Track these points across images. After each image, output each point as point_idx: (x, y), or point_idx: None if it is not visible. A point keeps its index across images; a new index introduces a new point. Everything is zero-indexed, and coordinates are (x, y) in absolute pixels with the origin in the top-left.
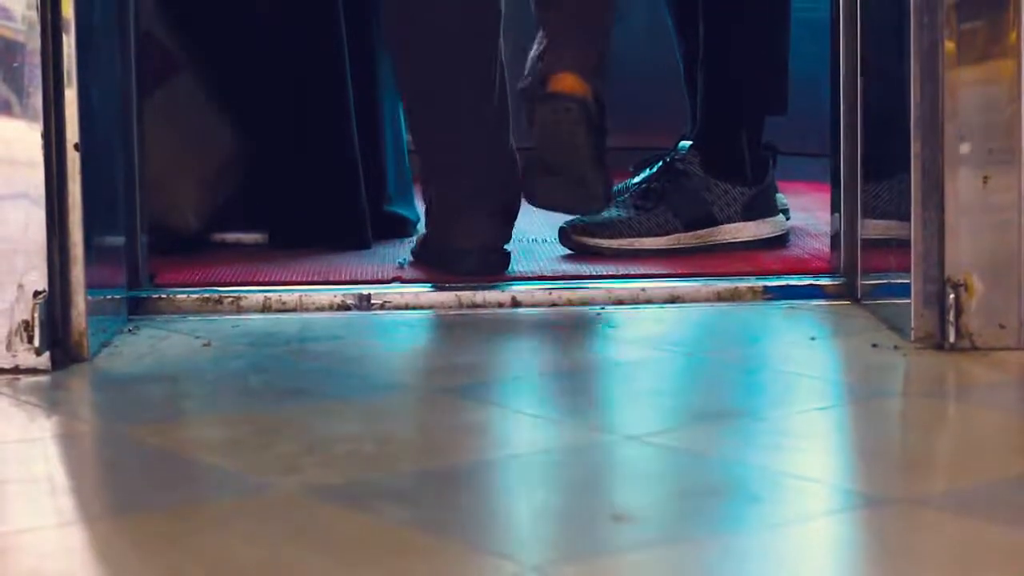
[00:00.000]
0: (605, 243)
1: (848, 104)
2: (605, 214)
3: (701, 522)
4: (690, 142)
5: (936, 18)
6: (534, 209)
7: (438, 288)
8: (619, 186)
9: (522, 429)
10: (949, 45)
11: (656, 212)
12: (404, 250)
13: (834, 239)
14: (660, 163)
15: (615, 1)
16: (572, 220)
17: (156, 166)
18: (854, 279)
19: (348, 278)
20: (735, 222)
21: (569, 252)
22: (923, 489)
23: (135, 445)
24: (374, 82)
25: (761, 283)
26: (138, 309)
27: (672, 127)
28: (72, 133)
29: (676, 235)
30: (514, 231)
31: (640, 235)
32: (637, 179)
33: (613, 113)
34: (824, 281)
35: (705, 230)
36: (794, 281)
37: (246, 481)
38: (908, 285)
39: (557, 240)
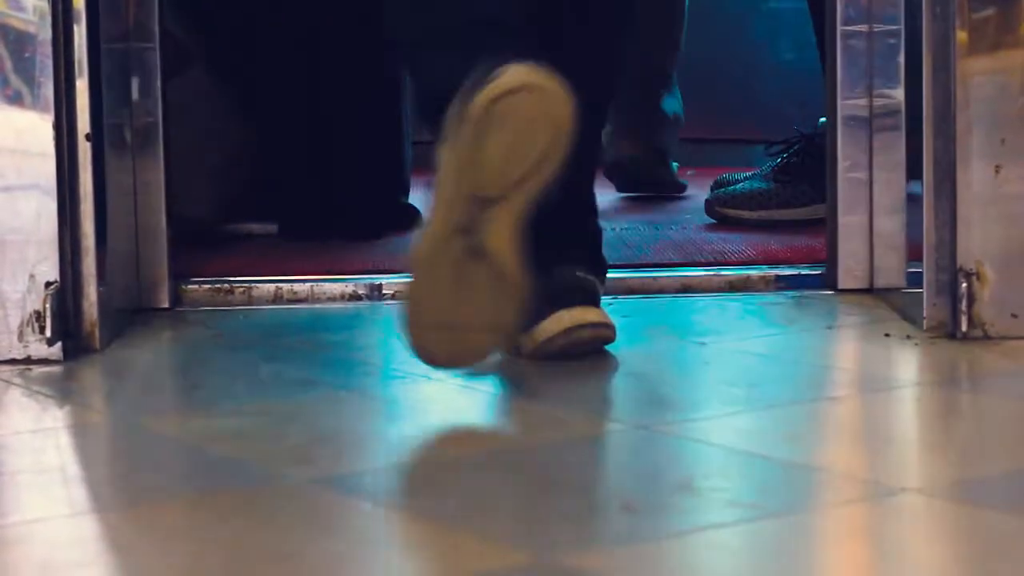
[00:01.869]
0: (746, 214)
1: None
2: (746, 186)
3: (711, 512)
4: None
5: (948, 9)
6: None
7: None
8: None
9: (532, 418)
10: (961, 35)
11: (795, 184)
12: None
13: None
14: (800, 140)
15: None
16: (716, 192)
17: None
18: (866, 269)
19: (360, 268)
20: None
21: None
22: (936, 478)
23: (147, 435)
24: (391, 72)
25: (773, 272)
26: (149, 300)
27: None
28: (83, 123)
29: (814, 206)
30: None
31: (780, 206)
32: (775, 155)
33: None
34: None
35: None
36: (806, 271)
37: (258, 472)
38: (920, 274)
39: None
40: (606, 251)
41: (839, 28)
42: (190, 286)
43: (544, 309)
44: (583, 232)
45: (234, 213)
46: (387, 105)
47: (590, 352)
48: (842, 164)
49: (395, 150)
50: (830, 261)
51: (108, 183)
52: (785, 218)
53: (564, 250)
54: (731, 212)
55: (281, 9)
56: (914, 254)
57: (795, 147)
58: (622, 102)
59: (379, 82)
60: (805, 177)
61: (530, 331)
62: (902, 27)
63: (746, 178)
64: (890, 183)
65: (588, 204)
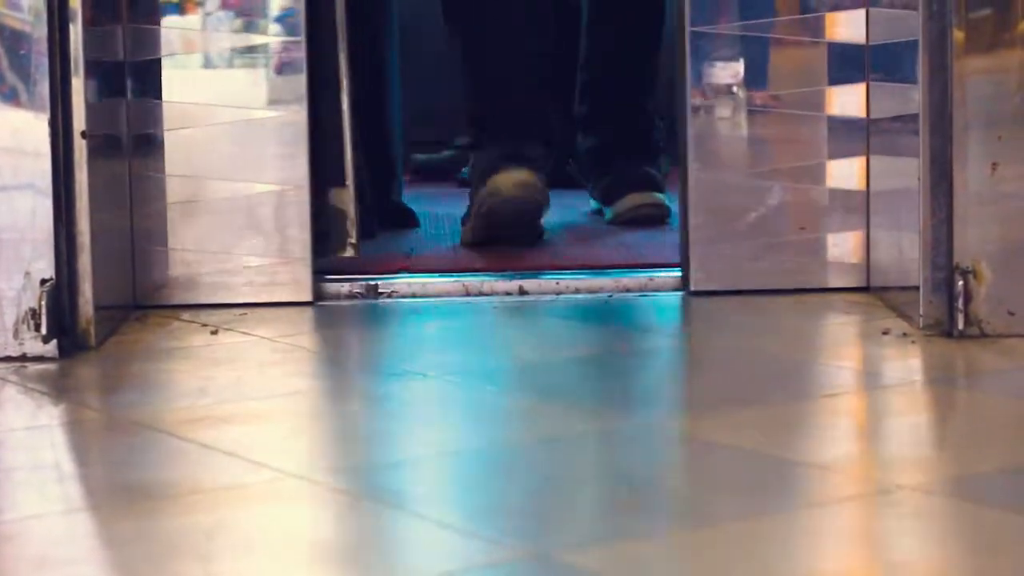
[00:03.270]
0: None
1: None
2: None
3: (709, 510)
4: None
5: (945, 7)
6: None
7: (445, 277)
8: None
9: (529, 416)
10: (958, 34)
11: None
12: (411, 240)
13: None
14: None
15: None
16: None
17: None
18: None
19: (356, 268)
20: None
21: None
22: (933, 475)
23: (141, 432)
24: (383, 72)
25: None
26: (144, 298)
27: None
28: (79, 122)
29: None
30: None
31: None
32: None
33: None
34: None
35: None
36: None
37: (254, 468)
38: (917, 272)
39: (563, 228)
40: (603, 251)
41: None
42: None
43: (623, 191)
44: (649, 140)
45: None
46: (379, 104)
47: (653, 222)
48: None
49: (387, 150)
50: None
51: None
52: None
53: (636, 152)
54: None
55: None
56: None
57: None
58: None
59: (372, 83)
60: None
61: (612, 206)
62: None
63: None
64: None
65: (651, 119)
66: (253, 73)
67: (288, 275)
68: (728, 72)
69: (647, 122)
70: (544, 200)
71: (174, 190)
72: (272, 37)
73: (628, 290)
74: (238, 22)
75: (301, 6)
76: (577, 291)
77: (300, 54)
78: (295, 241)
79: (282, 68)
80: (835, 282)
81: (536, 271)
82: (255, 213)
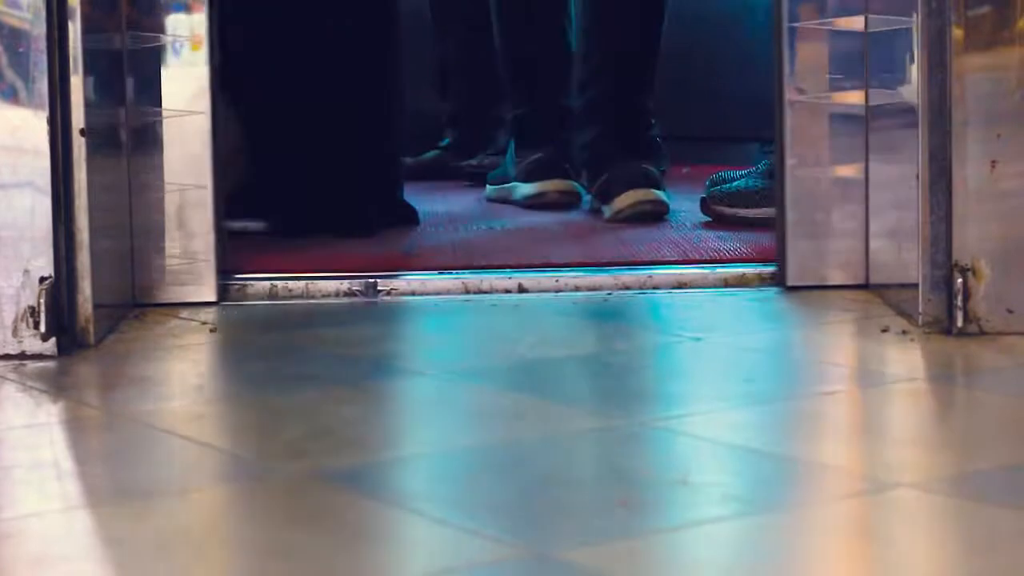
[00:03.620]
0: (741, 212)
1: None
2: (742, 184)
3: (707, 507)
4: None
5: (944, 4)
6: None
7: (444, 275)
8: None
9: (528, 414)
10: (957, 31)
11: None
12: (412, 238)
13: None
14: None
15: None
16: (711, 191)
17: None
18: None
19: (355, 265)
20: None
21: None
22: (931, 473)
23: (141, 430)
24: (388, 70)
25: (768, 269)
26: (144, 296)
27: None
28: (78, 119)
29: None
30: (522, 218)
31: (774, 204)
32: (771, 153)
33: None
34: None
35: None
36: None
37: (253, 466)
38: (916, 270)
39: (562, 226)
40: (602, 248)
41: None
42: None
43: (621, 188)
44: (647, 137)
45: (229, 210)
46: (381, 102)
47: (651, 219)
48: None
49: (389, 147)
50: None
51: (104, 181)
52: None
53: (634, 150)
54: (727, 210)
55: (280, 7)
56: None
57: None
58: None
59: (374, 79)
60: None
61: (610, 203)
62: None
63: (741, 176)
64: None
65: (649, 117)
66: None
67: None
68: (824, 67)
69: (645, 119)
70: None
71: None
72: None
73: (627, 287)
74: None
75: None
76: (576, 288)
77: None
78: None
79: None
80: (833, 279)
81: (535, 268)
82: None
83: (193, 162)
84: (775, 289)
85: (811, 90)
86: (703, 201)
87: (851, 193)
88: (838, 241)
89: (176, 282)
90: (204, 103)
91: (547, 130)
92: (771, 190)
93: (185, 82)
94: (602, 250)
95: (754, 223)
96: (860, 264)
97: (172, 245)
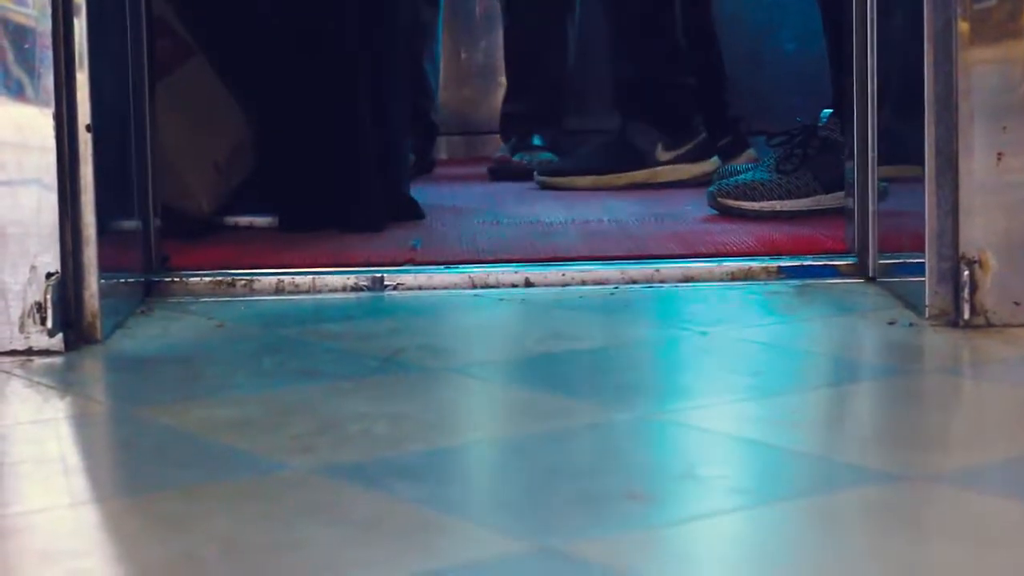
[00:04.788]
0: (747, 205)
1: (860, 82)
2: (748, 177)
3: (715, 500)
4: (831, 110)
5: None
6: (548, 192)
7: (450, 269)
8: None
9: (535, 408)
10: (963, 24)
11: (797, 175)
12: (418, 232)
13: (847, 217)
14: (802, 131)
15: None
16: (719, 184)
17: (169, 150)
18: (867, 258)
19: (361, 260)
20: None
21: (714, 213)
22: (938, 465)
23: (148, 425)
24: (387, 66)
25: (775, 263)
26: (151, 291)
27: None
28: (84, 115)
29: (817, 197)
30: (528, 213)
31: (782, 197)
32: (777, 147)
33: None
34: (839, 261)
35: (842, 191)
36: (808, 261)
37: (260, 461)
38: (923, 263)
39: (569, 221)
40: (608, 243)
41: None
42: (192, 278)
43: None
44: None
45: (235, 205)
46: (388, 99)
47: None
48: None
49: (395, 143)
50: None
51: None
52: (788, 209)
53: None
54: (734, 203)
55: (284, 10)
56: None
57: (798, 138)
58: None
59: (379, 75)
60: (808, 168)
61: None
62: None
63: (748, 169)
64: None
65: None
66: None
67: None
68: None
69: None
70: None
71: None
72: None
73: (634, 281)
74: None
75: None
76: (583, 282)
77: None
78: None
79: None
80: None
81: (542, 263)
82: None
83: None
84: (782, 281)
85: None
86: (710, 194)
87: None
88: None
89: (179, 278)
90: None
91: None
92: (778, 183)
93: None
94: (608, 244)
95: (760, 216)
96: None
97: None
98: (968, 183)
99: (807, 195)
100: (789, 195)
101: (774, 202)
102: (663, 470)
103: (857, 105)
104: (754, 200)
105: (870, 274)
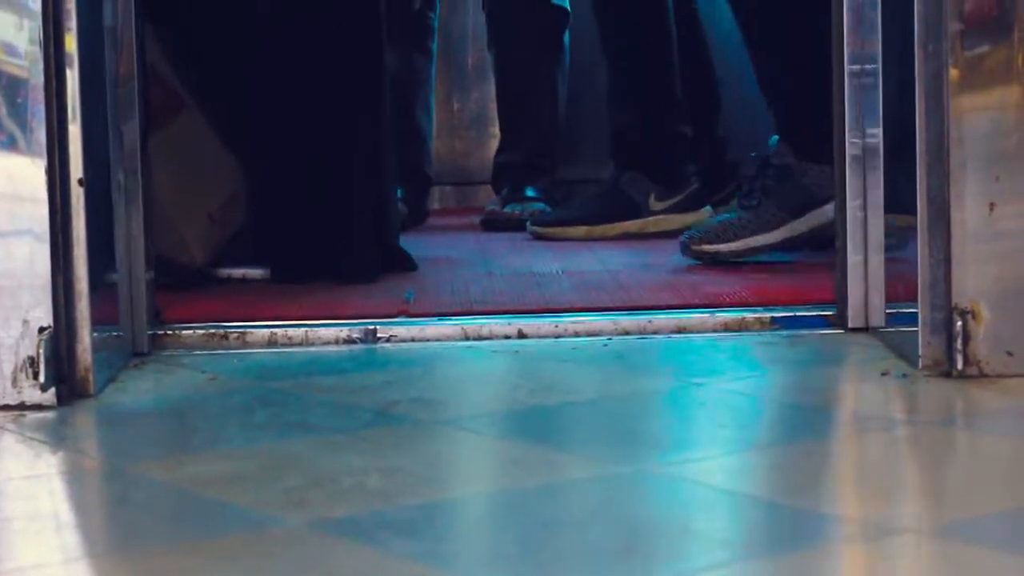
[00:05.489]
0: (724, 247)
1: (839, 137)
2: (716, 220)
3: (708, 554)
4: (777, 136)
5: (941, 47)
6: (541, 243)
7: (443, 321)
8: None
9: (529, 461)
10: (954, 72)
11: (762, 208)
12: (410, 283)
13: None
14: (757, 165)
15: None
16: (690, 232)
17: (162, 202)
18: (845, 308)
19: (354, 312)
20: None
21: (692, 262)
22: (932, 519)
23: (141, 481)
24: (378, 117)
25: (768, 314)
26: (143, 345)
27: None
28: (76, 168)
29: (788, 225)
30: (521, 264)
31: (754, 232)
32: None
33: None
34: (832, 311)
35: (812, 212)
36: (801, 312)
37: (253, 516)
38: (915, 313)
39: (561, 272)
40: (601, 294)
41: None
42: (185, 331)
43: None
44: None
45: (228, 257)
46: (380, 150)
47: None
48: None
49: (387, 194)
50: (840, 300)
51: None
52: (765, 243)
53: None
54: (709, 247)
55: (276, 54)
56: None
57: (755, 171)
58: None
59: (372, 126)
60: (771, 199)
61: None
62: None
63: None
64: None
65: None
66: None
67: None
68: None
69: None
70: None
71: None
72: None
73: (627, 332)
74: None
75: None
76: (576, 334)
77: None
78: None
79: None
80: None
81: (535, 314)
82: None
83: None
84: (775, 332)
85: None
86: (683, 244)
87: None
88: None
89: (172, 331)
90: None
91: None
92: (747, 220)
93: None
94: (601, 294)
95: (739, 255)
96: (860, 306)
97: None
98: (960, 233)
99: (777, 226)
100: (761, 229)
101: (747, 239)
102: (657, 524)
103: (836, 156)
104: (728, 241)
105: (849, 325)
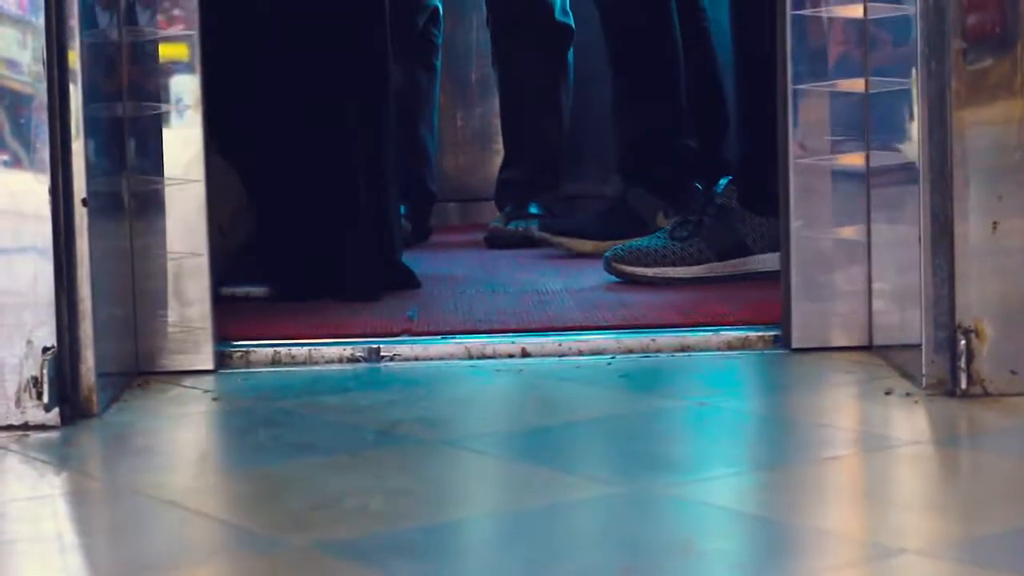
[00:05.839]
0: (640, 271)
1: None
2: (643, 243)
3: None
4: (729, 178)
5: (944, 66)
6: (545, 261)
7: (447, 340)
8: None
9: (533, 482)
10: (957, 91)
11: (690, 243)
12: (414, 301)
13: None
14: (700, 198)
15: None
16: (615, 249)
17: None
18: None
19: (357, 331)
20: (767, 252)
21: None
22: (937, 539)
23: (145, 502)
24: (381, 134)
25: (771, 332)
26: (148, 364)
27: None
28: (79, 187)
29: (710, 264)
30: (524, 282)
31: (674, 264)
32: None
33: None
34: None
35: (738, 259)
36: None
37: (256, 538)
38: (919, 331)
39: (565, 290)
40: (605, 312)
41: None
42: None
43: None
44: None
45: (231, 276)
46: (383, 167)
47: None
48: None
49: (390, 212)
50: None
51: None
52: (681, 276)
53: None
54: (627, 268)
55: (279, 70)
56: None
57: (695, 206)
58: None
59: (375, 144)
60: (701, 235)
61: None
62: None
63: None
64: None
65: None
66: None
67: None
68: (828, 129)
69: None
70: None
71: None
72: None
73: (631, 351)
74: None
75: None
76: (580, 352)
77: None
78: None
79: None
80: (836, 341)
81: (538, 332)
82: None
83: (189, 230)
84: (779, 351)
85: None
86: (605, 260)
87: (854, 254)
88: (841, 302)
89: (177, 350)
90: (199, 171)
91: None
92: (672, 250)
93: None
94: (605, 313)
95: (653, 280)
96: (863, 326)
97: (171, 313)
98: (963, 251)
99: (699, 263)
100: (681, 262)
101: (667, 268)
102: (663, 545)
103: (782, 179)
104: (647, 266)
105: (866, 343)
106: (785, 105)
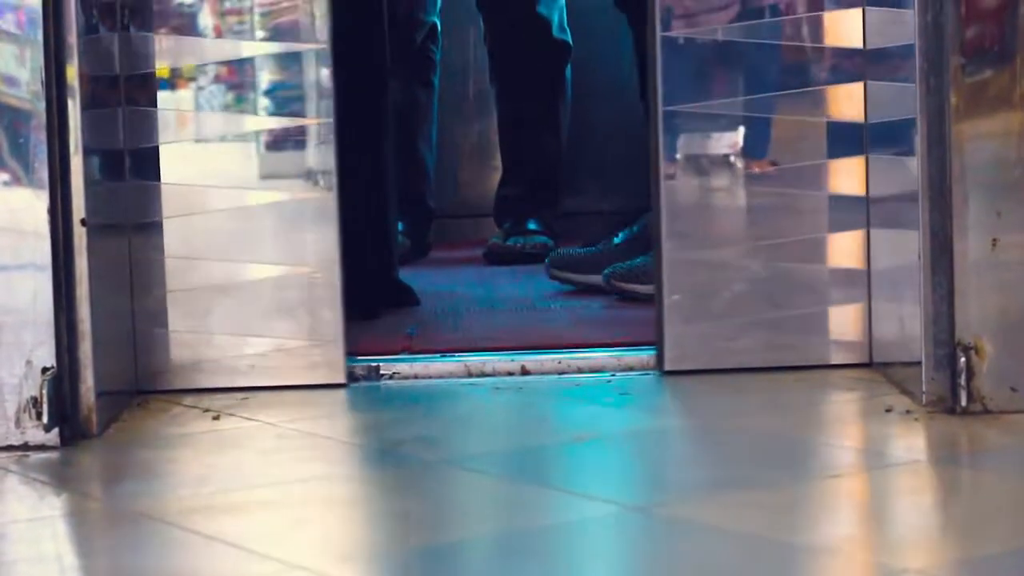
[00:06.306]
0: (576, 276)
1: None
2: (580, 251)
3: None
4: None
5: (943, 82)
6: (544, 277)
7: (446, 358)
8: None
9: (533, 502)
10: (956, 106)
11: (604, 255)
12: (413, 318)
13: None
14: (642, 220)
15: None
16: (553, 254)
17: None
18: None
19: (357, 349)
20: None
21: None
22: (938, 558)
23: (144, 523)
24: (380, 151)
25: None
26: (146, 383)
27: None
28: (78, 207)
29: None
30: (524, 299)
31: (587, 273)
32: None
33: None
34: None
35: (636, 285)
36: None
37: (256, 556)
38: (919, 349)
39: (564, 307)
40: (604, 329)
41: None
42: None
43: None
44: None
45: None
46: (383, 185)
47: None
48: None
49: (387, 228)
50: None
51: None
52: (591, 283)
53: None
54: (559, 274)
55: None
56: None
57: (633, 218)
58: None
59: (372, 160)
60: (621, 250)
61: None
62: None
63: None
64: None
65: None
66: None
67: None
68: (700, 150)
69: None
70: None
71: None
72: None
73: (631, 368)
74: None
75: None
76: (579, 370)
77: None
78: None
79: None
80: (837, 358)
81: (538, 350)
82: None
83: None
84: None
85: None
86: (545, 265)
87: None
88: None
89: (179, 369)
90: None
91: None
92: (598, 257)
93: None
94: (605, 330)
95: (578, 286)
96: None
97: (175, 331)
98: (963, 268)
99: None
100: (593, 272)
101: (585, 275)
102: (664, 564)
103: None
104: (578, 272)
105: (867, 360)
106: None
